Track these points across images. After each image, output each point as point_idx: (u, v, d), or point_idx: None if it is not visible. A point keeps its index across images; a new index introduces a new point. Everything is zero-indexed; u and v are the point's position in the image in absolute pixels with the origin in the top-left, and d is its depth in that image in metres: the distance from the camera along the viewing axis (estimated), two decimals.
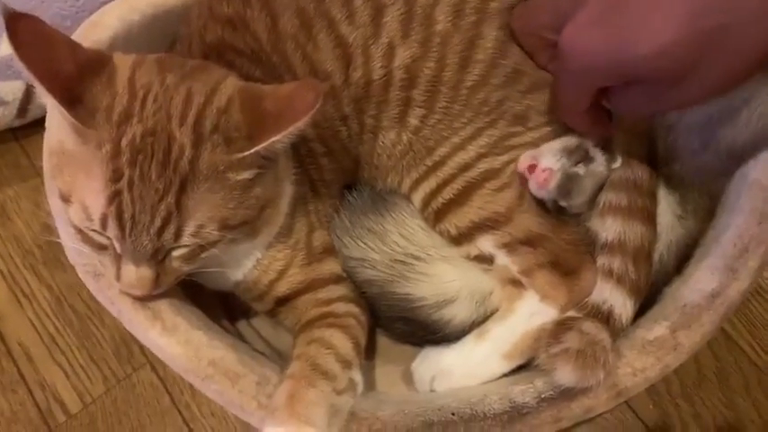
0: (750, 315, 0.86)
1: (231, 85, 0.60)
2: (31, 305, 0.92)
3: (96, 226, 0.58)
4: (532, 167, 0.70)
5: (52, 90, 0.54)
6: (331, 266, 0.75)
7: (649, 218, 0.70)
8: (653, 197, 0.71)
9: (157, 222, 0.57)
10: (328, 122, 0.73)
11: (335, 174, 0.76)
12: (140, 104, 0.57)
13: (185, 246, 0.60)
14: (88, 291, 0.91)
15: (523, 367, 0.72)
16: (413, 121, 0.73)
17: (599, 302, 0.68)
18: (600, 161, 0.70)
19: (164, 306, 0.65)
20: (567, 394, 0.64)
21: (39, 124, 0.72)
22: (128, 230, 0.57)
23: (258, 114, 0.58)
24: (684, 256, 0.72)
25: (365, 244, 0.75)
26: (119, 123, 0.56)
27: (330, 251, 0.76)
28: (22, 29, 0.54)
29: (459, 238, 0.74)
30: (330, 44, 0.70)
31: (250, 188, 0.60)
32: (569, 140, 0.71)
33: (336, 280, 0.75)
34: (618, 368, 0.65)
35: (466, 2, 0.70)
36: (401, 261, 0.75)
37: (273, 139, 0.57)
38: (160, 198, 0.56)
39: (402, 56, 0.70)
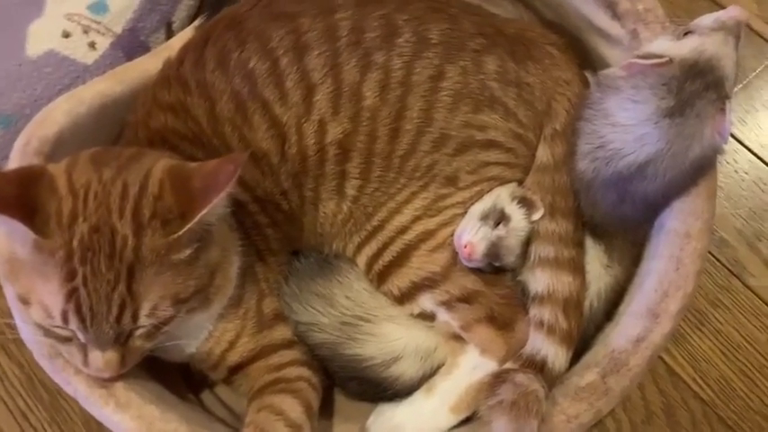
0: (692, 350, 0.89)
1: (161, 168, 0.64)
2: (2, 383, 0.95)
3: (58, 322, 0.62)
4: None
5: (14, 215, 0.58)
6: (282, 332, 0.79)
7: (577, 268, 0.74)
8: (580, 248, 0.76)
9: (114, 310, 0.61)
10: (269, 197, 0.77)
11: (281, 243, 0.80)
12: (83, 203, 0.62)
13: (144, 326, 0.63)
14: None
15: (471, 420, 0.75)
16: (350, 191, 0.77)
17: (533, 353, 0.71)
18: (518, 217, 0.74)
19: (118, 383, 0.68)
20: None
21: None
22: (88, 321, 0.61)
23: (187, 193, 0.62)
24: (613, 303, 0.76)
25: (314, 308, 0.79)
26: (68, 225, 0.61)
27: (280, 317, 0.79)
28: None
29: (402, 298, 0.78)
30: (264, 125, 0.74)
31: (195, 260, 0.64)
32: (485, 204, 0.75)
33: (287, 345, 0.78)
34: (552, 416, 0.68)
35: (390, 77, 0.74)
36: (349, 323, 0.78)
37: (203, 212, 0.61)
38: (113, 288, 0.61)
39: (334, 132, 0.75)
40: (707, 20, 0.69)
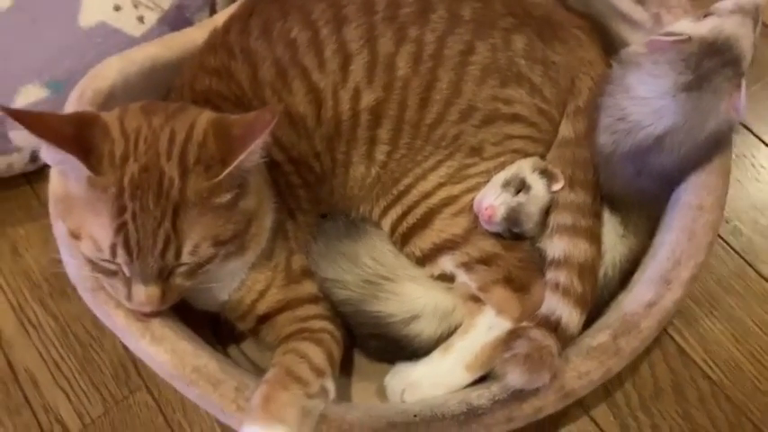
0: (703, 332, 0.91)
1: (205, 119, 0.69)
2: (37, 334, 0.99)
3: (106, 255, 0.66)
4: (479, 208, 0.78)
5: (71, 151, 0.63)
6: (308, 287, 0.82)
7: (593, 237, 0.78)
8: (597, 218, 0.79)
9: (159, 245, 0.66)
10: (303, 158, 0.81)
11: (312, 204, 0.84)
12: (134, 146, 0.67)
13: (186, 264, 0.68)
14: (90, 319, 1.01)
15: (485, 379, 0.78)
16: (379, 156, 0.82)
17: (548, 313, 0.74)
18: (539, 187, 0.78)
19: (154, 320, 0.72)
20: (518, 396, 0.70)
21: (48, 168, 0.81)
22: (134, 254, 0.66)
23: (228, 140, 0.67)
24: (627, 273, 0.79)
25: (339, 266, 0.83)
26: (120, 165, 0.66)
27: (307, 273, 0.83)
28: (26, 118, 0.63)
29: (424, 259, 0.81)
30: (303, 89, 0.79)
31: (234, 206, 0.69)
32: (507, 173, 0.79)
33: (313, 300, 0.82)
34: (565, 372, 0.71)
35: (423, 50, 0.79)
36: (371, 281, 0.82)
37: (241, 157, 0.65)
38: (159, 224, 0.65)
39: (367, 99, 0.79)
40: (726, 3, 0.73)
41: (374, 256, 0.83)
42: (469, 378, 0.78)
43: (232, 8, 0.94)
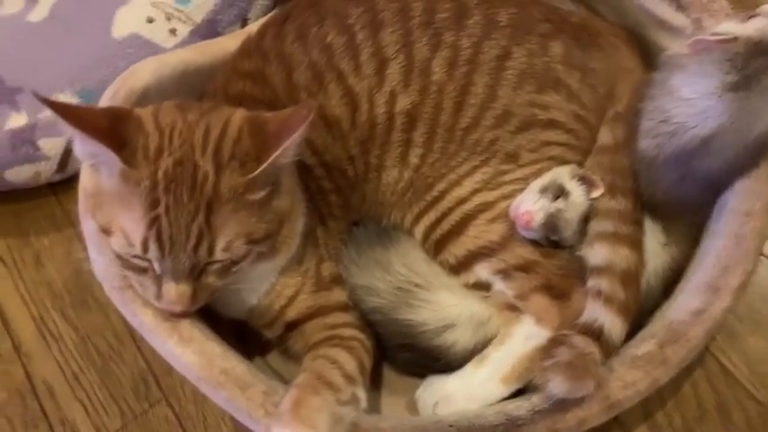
0: (748, 351, 0.88)
1: (240, 116, 0.68)
2: (57, 345, 0.97)
3: (137, 250, 0.65)
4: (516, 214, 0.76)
5: (104, 142, 0.63)
6: (338, 295, 0.80)
7: (635, 244, 0.75)
8: (638, 226, 0.76)
9: (192, 240, 0.64)
10: (336, 162, 0.80)
11: (343, 210, 0.83)
12: (168, 140, 0.66)
13: (219, 261, 0.66)
14: (111, 331, 1.00)
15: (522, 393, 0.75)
16: (413, 159, 0.80)
17: (590, 321, 0.71)
18: (578, 193, 0.76)
19: (182, 320, 0.70)
20: (560, 406, 0.67)
21: (74, 179, 0.80)
22: (167, 249, 0.64)
23: (263, 137, 0.66)
24: (670, 282, 0.76)
25: (371, 273, 0.80)
26: (154, 158, 0.65)
27: (338, 281, 0.81)
28: (62, 109, 0.63)
29: (458, 267, 0.79)
30: (339, 93, 0.79)
31: (267, 205, 0.67)
32: (544, 179, 0.77)
33: (343, 308, 0.80)
34: (609, 382, 0.67)
35: (458, 55, 0.78)
36: (404, 289, 0.79)
37: (276, 153, 0.64)
38: (192, 218, 0.64)
39: (403, 102, 0.78)
40: None
41: (407, 263, 0.81)
42: (506, 391, 0.75)
43: (265, 18, 0.95)
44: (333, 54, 0.79)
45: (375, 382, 0.84)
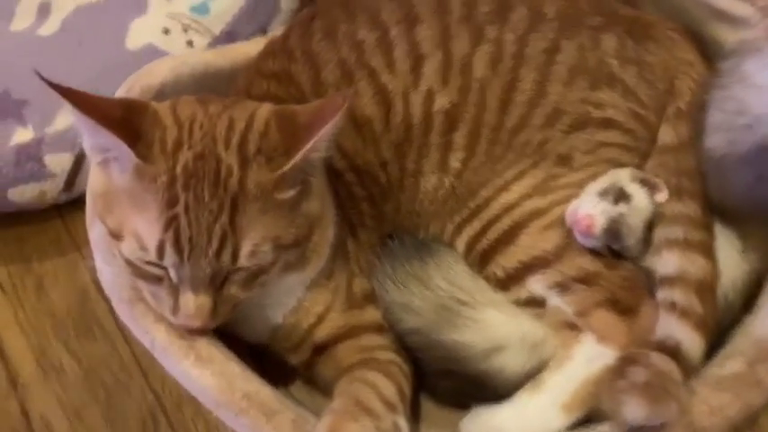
0: None
1: (266, 109, 0.62)
2: (57, 377, 0.89)
3: (152, 256, 0.58)
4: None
5: (117, 132, 0.57)
6: (372, 315, 0.72)
7: (708, 251, 0.67)
8: (709, 231, 0.68)
9: (215, 243, 0.57)
10: (368, 167, 0.73)
11: (376, 220, 0.75)
12: (188, 132, 0.60)
13: (243, 269, 0.59)
14: (118, 362, 0.91)
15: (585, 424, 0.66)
16: (454, 164, 0.73)
17: (663, 338, 0.63)
18: (641, 197, 0.68)
19: (199, 339, 0.61)
20: None
21: (82, 201, 0.74)
22: (186, 254, 0.57)
23: (292, 130, 0.59)
24: (751, 294, 0.67)
25: (408, 289, 0.72)
26: (173, 152, 0.58)
27: (371, 299, 0.73)
28: (71, 95, 0.57)
29: (508, 281, 0.71)
30: (371, 91, 0.72)
31: (297, 207, 0.61)
32: (603, 182, 0.69)
33: (377, 329, 0.72)
34: (692, 406, 0.58)
35: (502, 50, 0.72)
36: (446, 306, 0.71)
37: (307, 146, 0.58)
38: (215, 218, 0.57)
39: (441, 101, 0.72)
40: None
41: (448, 277, 0.72)
42: (566, 421, 0.66)
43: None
44: (364, 51, 0.73)
45: (413, 415, 0.74)
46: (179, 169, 0.58)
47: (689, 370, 0.61)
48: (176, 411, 0.86)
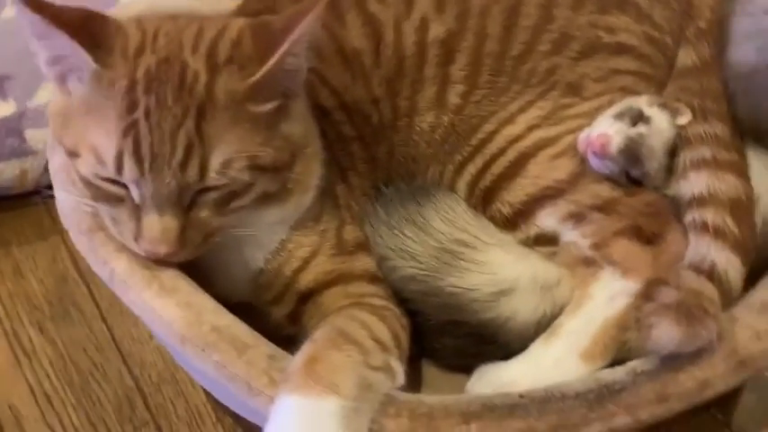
0: None
1: (241, 21, 0.57)
2: (30, 363, 0.83)
3: (110, 169, 0.52)
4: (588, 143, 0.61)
5: (75, 37, 0.52)
6: (364, 263, 0.65)
7: (741, 171, 0.60)
8: (740, 153, 0.61)
9: (179, 153, 0.51)
10: (358, 105, 0.67)
11: (368, 165, 0.68)
12: (152, 38, 0.55)
13: (214, 188, 0.53)
14: (95, 345, 0.85)
15: None
16: (453, 99, 0.67)
17: (696, 261, 0.55)
18: (661, 119, 0.61)
19: (165, 269, 0.54)
20: (671, 364, 0.49)
21: None
22: (147, 165, 0.51)
23: (267, 35, 0.54)
24: None
25: (404, 234, 0.65)
26: (134, 56, 0.54)
27: (363, 247, 0.65)
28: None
29: (515, 218, 0.63)
30: (359, 22, 0.67)
31: (275, 125, 0.55)
32: (618, 107, 0.63)
33: (370, 278, 0.64)
34: (735, 332, 0.50)
35: None
36: (446, 249, 0.63)
37: (282, 49, 0.52)
38: (179, 124, 0.52)
39: (436, 30, 0.66)
40: None
41: (449, 218, 0.65)
42: (586, 371, 0.57)
43: None
44: None
45: (414, 383, 0.66)
46: (140, 73, 0.52)
47: (728, 295, 0.53)
48: (156, 393, 0.79)
